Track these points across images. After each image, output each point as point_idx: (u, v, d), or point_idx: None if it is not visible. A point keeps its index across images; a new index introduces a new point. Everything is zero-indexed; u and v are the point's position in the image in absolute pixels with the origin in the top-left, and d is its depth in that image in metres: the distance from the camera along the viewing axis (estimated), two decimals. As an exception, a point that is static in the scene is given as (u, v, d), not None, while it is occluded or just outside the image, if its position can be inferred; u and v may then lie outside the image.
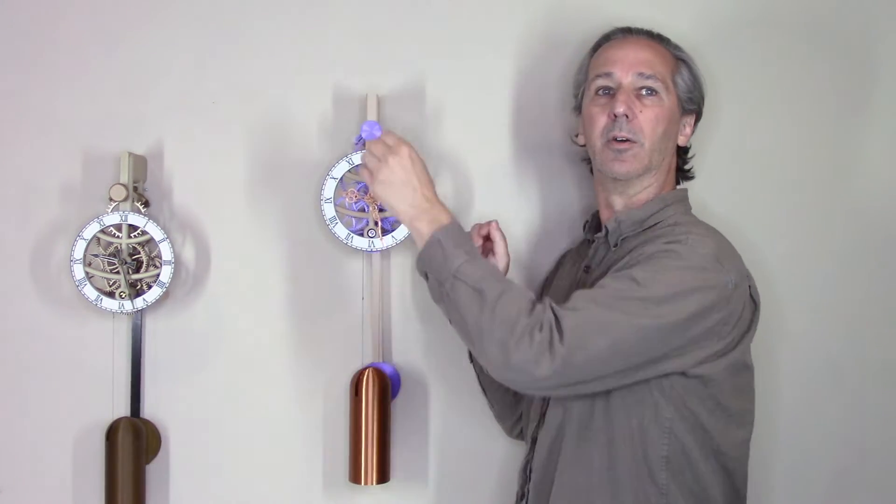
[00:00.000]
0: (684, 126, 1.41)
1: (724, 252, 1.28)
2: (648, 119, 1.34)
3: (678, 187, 1.44)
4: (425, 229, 1.26)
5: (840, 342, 1.63)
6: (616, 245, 1.37)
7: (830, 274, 1.63)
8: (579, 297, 1.22)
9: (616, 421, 1.27)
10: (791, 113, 1.62)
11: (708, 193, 1.55)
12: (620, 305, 1.18)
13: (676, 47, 1.42)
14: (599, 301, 1.20)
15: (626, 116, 1.33)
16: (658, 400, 1.25)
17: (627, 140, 1.34)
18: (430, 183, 1.31)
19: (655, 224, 1.35)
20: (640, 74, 1.35)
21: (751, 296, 1.29)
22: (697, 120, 1.44)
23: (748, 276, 1.30)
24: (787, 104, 1.62)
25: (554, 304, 1.20)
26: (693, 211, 1.42)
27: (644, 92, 1.35)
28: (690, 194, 1.43)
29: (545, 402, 1.37)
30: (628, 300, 1.19)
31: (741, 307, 1.26)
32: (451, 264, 1.23)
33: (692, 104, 1.41)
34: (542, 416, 1.37)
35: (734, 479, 1.32)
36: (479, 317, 1.19)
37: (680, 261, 1.23)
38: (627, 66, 1.35)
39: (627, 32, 1.42)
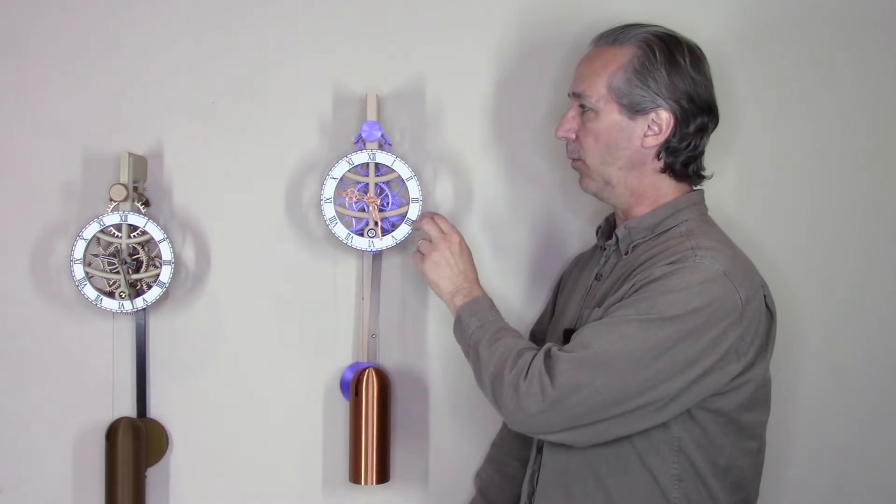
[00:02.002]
0: (651, 125, 1.28)
1: (734, 266, 1.22)
2: (586, 137, 1.33)
3: (695, 188, 1.35)
4: (459, 303, 1.36)
5: (845, 346, 1.63)
6: (627, 253, 1.32)
7: (835, 276, 1.62)
8: (578, 337, 1.20)
9: (623, 441, 1.23)
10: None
11: (725, 194, 1.55)
12: (622, 338, 1.16)
13: (640, 32, 1.30)
14: (601, 336, 1.18)
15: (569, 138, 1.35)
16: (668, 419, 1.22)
17: (577, 160, 1.36)
18: (474, 269, 1.42)
19: (667, 230, 1.30)
20: (573, 94, 1.34)
21: (766, 306, 1.24)
22: (689, 110, 1.29)
23: (762, 286, 1.25)
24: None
25: (553, 349, 1.20)
26: (711, 213, 1.36)
27: (582, 109, 1.33)
28: (711, 196, 1.37)
29: None
30: (632, 329, 1.17)
31: (757, 322, 1.21)
32: (467, 333, 1.32)
33: (646, 103, 1.28)
34: None
35: (749, 493, 1.30)
36: (482, 376, 1.27)
37: (685, 279, 1.18)
38: (572, 85, 1.36)
39: (593, 43, 1.37)
